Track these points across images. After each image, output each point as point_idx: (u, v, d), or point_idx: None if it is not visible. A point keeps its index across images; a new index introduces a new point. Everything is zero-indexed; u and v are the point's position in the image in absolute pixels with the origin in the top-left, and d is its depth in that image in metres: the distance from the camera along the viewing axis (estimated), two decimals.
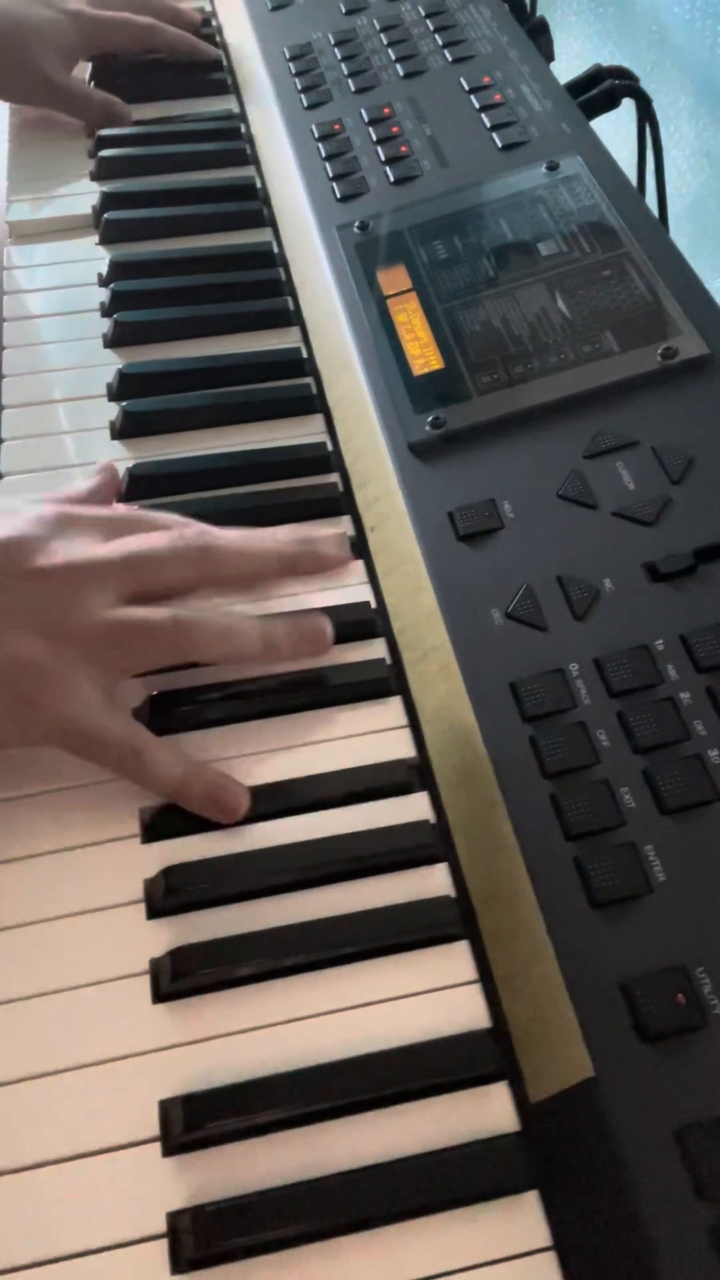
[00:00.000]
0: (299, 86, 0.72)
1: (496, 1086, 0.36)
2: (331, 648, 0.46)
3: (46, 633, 0.41)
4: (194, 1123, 0.35)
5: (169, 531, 0.45)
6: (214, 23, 0.84)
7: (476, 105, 0.67)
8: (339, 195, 0.64)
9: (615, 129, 0.72)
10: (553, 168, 0.61)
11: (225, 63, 0.80)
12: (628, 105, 0.72)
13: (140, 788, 0.42)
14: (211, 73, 0.78)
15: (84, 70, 0.77)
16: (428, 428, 0.51)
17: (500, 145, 0.64)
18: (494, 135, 0.64)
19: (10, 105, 0.76)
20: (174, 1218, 0.33)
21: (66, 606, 0.41)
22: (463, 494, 0.49)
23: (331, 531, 0.49)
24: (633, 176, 0.72)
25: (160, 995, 0.38)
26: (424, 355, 0.54)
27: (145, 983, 0.38)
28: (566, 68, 0.74)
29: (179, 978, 0.38)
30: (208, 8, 0.85)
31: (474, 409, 0.51)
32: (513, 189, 0.61)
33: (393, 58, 0.72)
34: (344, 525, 0.52)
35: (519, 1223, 0.33)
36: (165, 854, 0.41)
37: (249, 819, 0.42)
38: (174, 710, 0.45)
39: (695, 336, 0.52)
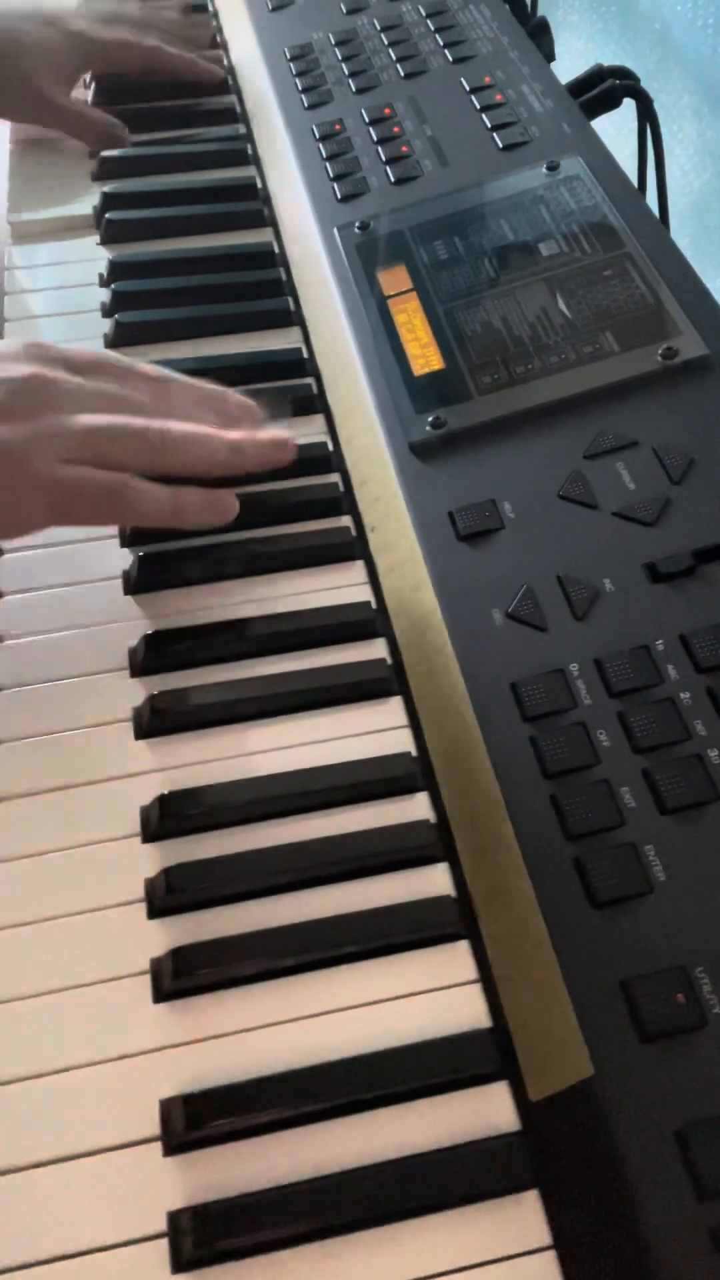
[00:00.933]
0: (299, 86, 0.72)
1: (496, 1086, 0.36)
2: (293, 456, 0.49)
3: (12, 420, 0.43)
4: (194, 1122, 0.35)
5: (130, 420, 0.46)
6: (215, 22, 0.84)
7: (477, 105, 0.67)
8: (339, 195, 0.64)
9: (616, 129, 0.72)
10: (553, 168, 0.61)
11: (225, 62, 0.80)
12: (629, 105, 0.72)
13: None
14: (217, 95, 0.77)
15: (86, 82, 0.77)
16: (428, 428, 0.51)
17: (501, 145, 0.64)
18: (495, 135, 0.64)
19: (15, 122, 0.76)
20: (174, 1217, 0.33)
21: (39, 407, 0.44)
22: (463, 494, 0.49)
23: (277, 433, 0.50)
24: (634, 176, 0.72)
25: (161, 995, 0.38)
26: (424, 355, 0.54)
27: (146, 982, 0.38)
28: (569, 66, 0.74)
29: (180, 977, 0.38)
30: (209, 8, 0.85)
31: (474, 409, 0.51)
32: (513, 189, 0.61)
33: (393, 58, 0.72)
34: (344, 524, 0.52)
35: (519, 1222, 0.33)
36: (166, 853, 0.41)
37: (249, 819, 0.42)
38: (173, 710, 0.45)
39: (695, 337, 0.52)
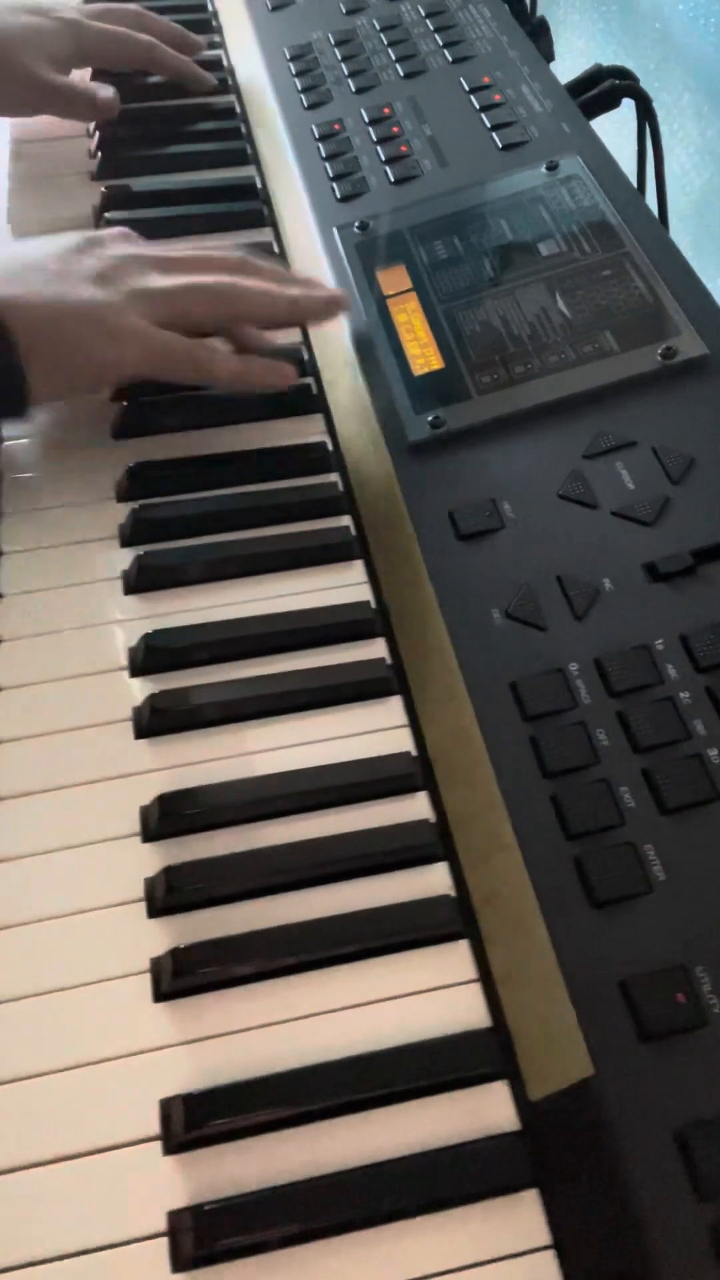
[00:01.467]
0: (299, 86, 0.72)
1: (496, 1085, 0.36)
2: (348, 308, 0.57)
3: (108, 285, 0.51)
4: (194, 1122, 0.35)
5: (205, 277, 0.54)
6: (215, 23, 0.84)
7: (476, 105, 0.67)
8: (339, 195, 0.64)
9: (616, 129, 0.72)
10: (553, 168, 0.61)
11: (225, 62, 0.80)
12: (628, 105, 0.72)
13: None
14: (209, 98, 0.77)
15: (83, 76, 0.77)
16: (428, 428, 0.51)
17: (500, 145, 0.64)
18: (494, 135, 0.64)
19: (13, 115, 0.75)
20: (174, 1216, 0.33)
21: (123, 273, 0.52)
22: (463, 494, 0.49)
23: (332, 290, 0.58)
24: (633, 176, 0.72)
25: (161, 994, 0.38)
26: (424, 355, 0.54)
27: (146, 982, 0.38)
28: (569, 66, 0.75)
29: (180, 977, 0.38)
30: (208, 8, 0.85)
31: (474, 409, 0.51)
32: (513, 189, 0.61)
33: (393, 58, 0.72)
34: (344, 524, 0.52)
35: (519, 1221, 0.33)
36: (166, 853, 0.41)
37: (249, 819, 0.42)
38: (173, 710, 0.45)
39: (695, 336, 0.52)
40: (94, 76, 0.77)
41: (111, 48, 0.73)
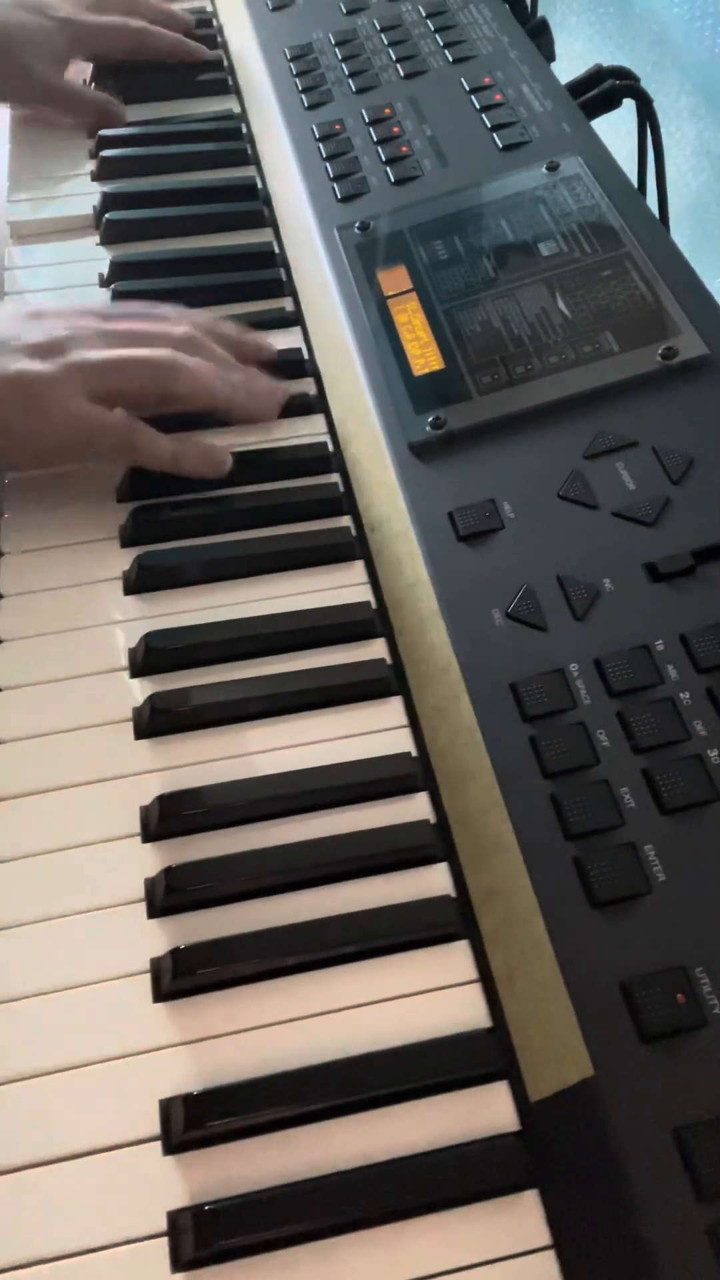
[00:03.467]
0: (299, 86, 0.72)
1: (496, 1086, 0.36)
2: (282, 402, 0.55)
3: (44, 358, 0.49)
4: (194, 1122, 0.35)
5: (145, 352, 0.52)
6: (215, 23, 0.84)
7: (477, 105, 0.67)
8: (339, 195, 0.64)
9: (616, 129, 0.72)
10: (553, 168, 0.61)
11: (225, 62, 0.80)
12: (628, 105, 0.72)
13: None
14: (206, 72, 0.78)
15: (84, 71, 0.77)
16: (428, 428, 0.51)
17: (501, 145, 0.64)
18: (494, 135, 0.65)
19: (10, 105, 0.76)
20: (174, 1216, 0.33)
21: (63, 346, 0.50)
22: (463, 494, 0.49)
23: (275, 385, 0.56)
24: (633, 176, 0.72)
25: (161, 994, 0.38)
26: (424, 355, 0.54)
27: (146, 982, 0.38)
28: (567, 68, 0.74)
29: (180, 977, 0.38)
30: (208, 8, 0.85)
31: (474, 409, 0.51)
32: (513, 189, 0.61)
33: (393, 58, 0.72)
34: (344, 524, 0.52)
35: (519, 1221, 0.33)
36: (166, 853, 0.41)
37: (249, 819, 0.42)
38: (173, 710, 0.45)
39: (695, 336, 0.52)
40: (95, 74, 0.77)
41: (105, 39, 0.74)
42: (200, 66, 0.78)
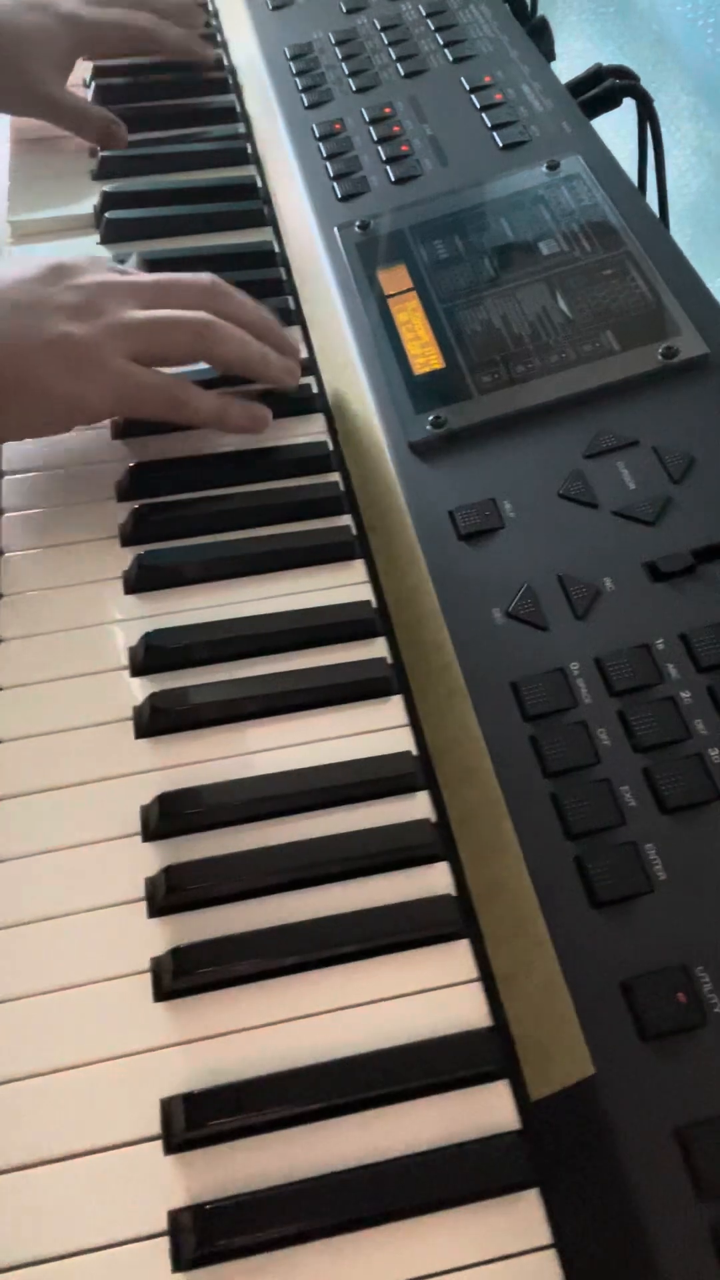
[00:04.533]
0: (300, 86, 0.72)
1: (497, 1085, 0.36)
2: (297, 380, 0.56)
3: (83, 319, 0.49)
4: (195, 1121, 0.35)
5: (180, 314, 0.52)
6: (214, 22, 0.84)
7: (477, 105, 0.67)
8: (340, 195, 0.64)
9: (616, 129, 0.72)
10: (553, 167, 0.61)
11: (226, 61, 0.80)
12: (629, 105, 0.72)
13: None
14: (212, 72, 0.78)
15: (84, 69, 0.77)
16: (428, 427, 0.51)
17: (501, 145, 0.64)
18: (495, 135, 0.64)
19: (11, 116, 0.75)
20: (175, 1216, 0.33)
21: (100, 306, 0.50)
22: (463, 493, 0.49)
23: (289, 363, 0.56)
24: (633, 176, 0.72)
25: (162, 994, 0.38)
26: (425, 354, 0.54)
27: (146, 981, 0.38)
28: (567, 67, 0.74)
29: (180, 976, 0.38)
30: (209, 7, 0.85)
31: (475, 408, 0.51)
32: (513, 188, 0.61)
33: (393, 57, 0.72)
34: (344, 524, 0.52)
35: (520, 1221, 0.33)
36: (166, 852, 0.41)
37: (249, 818, 0.42)
38: (173, 709, 0.45)
39: (695, 336, 0.52)
40: (95, 71, 0.77)
41: (110, 36, 0.73)
42: (205, 68, 0.78)
